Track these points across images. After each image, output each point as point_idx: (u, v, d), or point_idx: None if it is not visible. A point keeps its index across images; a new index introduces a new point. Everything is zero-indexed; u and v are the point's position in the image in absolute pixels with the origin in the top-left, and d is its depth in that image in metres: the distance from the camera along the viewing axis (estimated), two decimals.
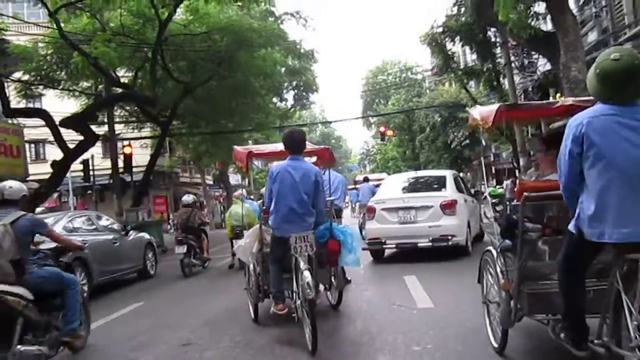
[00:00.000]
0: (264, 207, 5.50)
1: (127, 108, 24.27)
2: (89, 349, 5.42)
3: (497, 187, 21.14)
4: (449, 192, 9.90)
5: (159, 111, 22.67)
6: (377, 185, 14.62)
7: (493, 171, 31.51)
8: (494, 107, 4.21)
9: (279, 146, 6.51)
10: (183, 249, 10.48)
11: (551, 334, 3.33)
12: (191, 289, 9.19)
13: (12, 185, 4.81)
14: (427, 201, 9.52)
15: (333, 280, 5.86)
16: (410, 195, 9.99)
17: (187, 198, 11.78)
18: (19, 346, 4.07)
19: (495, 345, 3.98)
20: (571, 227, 2.92)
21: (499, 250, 3.86)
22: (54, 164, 15.08)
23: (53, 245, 5.15)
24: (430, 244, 9.19)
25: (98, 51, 14.36)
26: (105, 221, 10.85)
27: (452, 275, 7.78)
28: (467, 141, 35.53)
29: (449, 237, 9.12)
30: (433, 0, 34.40)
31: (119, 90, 18.08)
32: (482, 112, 4.35)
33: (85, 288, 8.58)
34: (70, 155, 14.81)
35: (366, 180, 19.43)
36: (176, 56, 19.83)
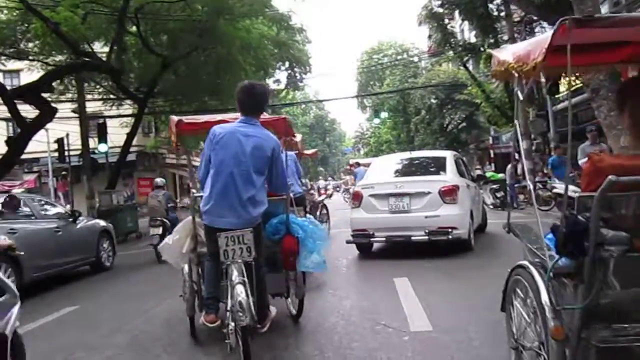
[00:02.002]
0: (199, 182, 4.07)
1: (104, 84, 22.72)
2: None
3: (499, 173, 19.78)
4: (450, 176, 8.40)
5: (137, 87, 21.24)
6: None
7: (491, 155, 30.04)
8: (545, 35, 2.60)
9: (219, 116, 5.16)
10: None
11: None
12: (142, 288, 7.74)
13: (161, 179, 11.97)
14: (424, 186, 8.06)
15: (292, 286, 4.59)
16: (404, 180, 8.48)
17: None
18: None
19: None
20: None
21: (551, 273, 2.35)
22: (9, 140, 13.53)
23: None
24: (426, 237, 7.77)
25: (60, 16, 12.81)
26: (46, 206, 9.34)
27: (453, 278, 6.35)
28: (464, 124, 34.22)
29: (449, 230, 7.69)
30: None
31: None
32: (519, 49, 2.81)
33: (14, 288, 7.15)
34: (27, 131, 13.21)
35: (358, 164, 18.68)
36: (154, 27, 18.40)
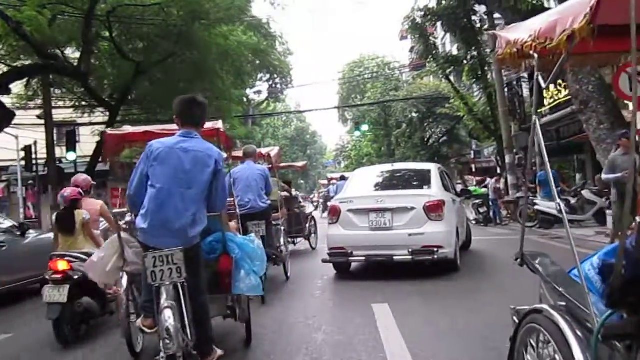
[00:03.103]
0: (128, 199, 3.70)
1: (77, 90, 21.86)
2: None
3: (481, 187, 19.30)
4: (435, 190, 7.75)
5: (110, 94, 20.47)
6: None
7: (473, 170, 29.69)
8: None
9: (144, 128, 5.12)
10: None
11: None
12: None
13: None
14: (407, 201, 7.38)
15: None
16: (386, 194, 7.79)
17: None
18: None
19: None
20: None
21: (599, 335, 1.68)
22: None
23: None
24: (410, 257, 7.09)
25: (23, 15, 12.02)
26: None
27: (439, 306, 5.67)
28: (445, 138, 33.92)
29: (435, 249, 7.02)
30: None
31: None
32: (537, 23, 2.19)
33: None
34: None
35: (343, 178, 18.76)
36: (129, 32, 17.72)
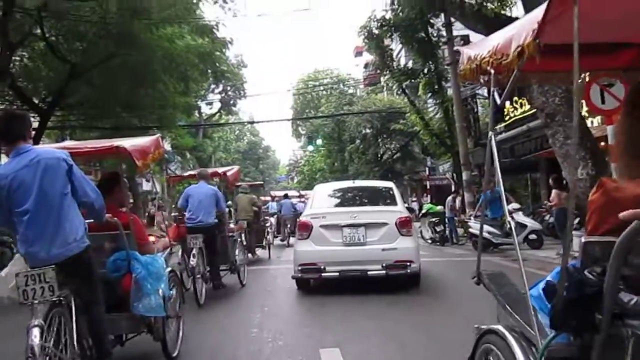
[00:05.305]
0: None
1: (5, 92, 20.11)
2: None
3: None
4: (400, 206, 7.96)
5: (43, 98, 18.89)
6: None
7: (427, 187, 29.23)
8: (533, 12, 2.01)
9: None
10: None
11: None
12: None
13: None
14: (380, 217, 7.55)
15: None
16: (359, 209, 7.88)
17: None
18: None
19: None
20: None
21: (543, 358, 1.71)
22: None
23: None
24: (383, 272, 7.20)
25: None
26: None
27: (402, 349, 4.61)
28: (399, 154, 33.55)
29: (407, 264, 7.20)
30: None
31: None
32: (495, 40, 2.29)
33: None
34: None
35: (286, 196, 19.60)
36: (67, 32, 16.41)
